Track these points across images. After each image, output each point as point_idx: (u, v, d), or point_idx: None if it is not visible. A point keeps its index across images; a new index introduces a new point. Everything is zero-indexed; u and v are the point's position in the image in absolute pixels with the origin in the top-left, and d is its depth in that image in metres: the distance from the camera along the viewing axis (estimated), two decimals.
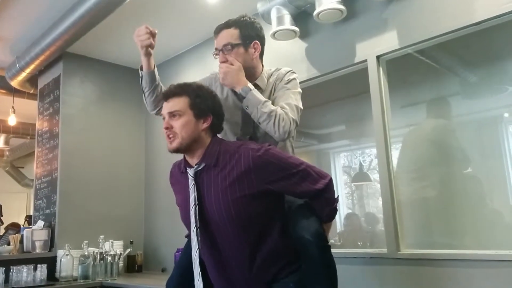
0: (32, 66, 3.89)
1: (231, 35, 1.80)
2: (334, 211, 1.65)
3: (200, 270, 1.58)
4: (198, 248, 1.55)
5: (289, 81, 1.84)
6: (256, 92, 1.73)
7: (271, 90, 1.85)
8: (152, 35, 1.82)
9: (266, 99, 1.72)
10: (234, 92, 1.83)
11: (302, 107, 1.82)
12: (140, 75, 1.88)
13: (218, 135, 1.75)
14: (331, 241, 4.22)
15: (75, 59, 3.98)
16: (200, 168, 1.57)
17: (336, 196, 1.64)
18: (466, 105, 3.52)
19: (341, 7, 2.58)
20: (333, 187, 1.61)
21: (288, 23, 2.82)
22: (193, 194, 1.55)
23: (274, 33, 2.84)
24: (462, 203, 2.89)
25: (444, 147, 2.97)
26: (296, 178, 1.54)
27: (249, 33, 1.82)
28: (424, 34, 2.41)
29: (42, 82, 4.26)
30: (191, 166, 1.60)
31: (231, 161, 1.53)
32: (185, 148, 1.59)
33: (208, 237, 1.57)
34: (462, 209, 2.86)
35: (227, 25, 1.83)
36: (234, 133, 1.84)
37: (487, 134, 3.55)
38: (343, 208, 5.35)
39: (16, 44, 3.84)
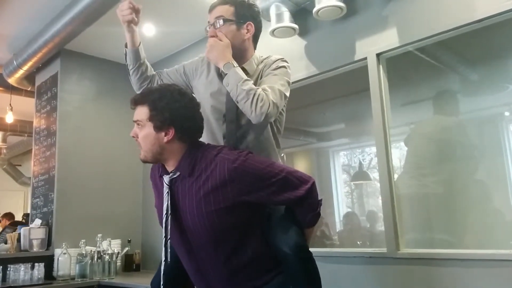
0: (29, 64, 3.86)
1: (225, 10, 1.74)
2: (317, 216, 1.57)
3: (163, 284, 1.54)
4: (165, 260, 1.49)
5: (278, 67, 1.75)
6: (239, 69, 1.63)
7: (258, 76, 1.76)
8: (136, 11, 1.76)
9: (247, 78, 1.62)
10: (220, 77, 1.74)
11: (288, 95, 1.72)
12: (124, 52, 1.84)
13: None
14: (334, 237, 4.24)
15: (73, 57, 3.96)
16: (175, 176, 1.50)
17: (319, 200, 1.56)
18: (466, 103, 3.50)
19: (341, 4, 2.56)
20: (316, 190, 1.53)
21: (287, 20, 2.80)
22: (166, 203, 1.49)
23: (273, 30, 2.82)
24: (462, 202, 2.87)
25: (446, 145, 2.95)
26: (275, 187, 1.46)
27: (244, 12, 1.76)
28: (425, 31, 2.39)
29: (40, 79, 4.23)
30: (167, 172, 1.53)
31: (206, 171, 1.45)
32: (152, 160, 1.53)
33: (184, 245, 1.52)
34: (463, 208, 2.85)
35: (224, 1, 1.77)
36: (217, 120, 1.74)
37: (487, 132, 3.53)
38: (342, 207, 5.34)
39: (14, 41, 3.81)
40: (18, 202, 7.70)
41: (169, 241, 1.49)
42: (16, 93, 4.61)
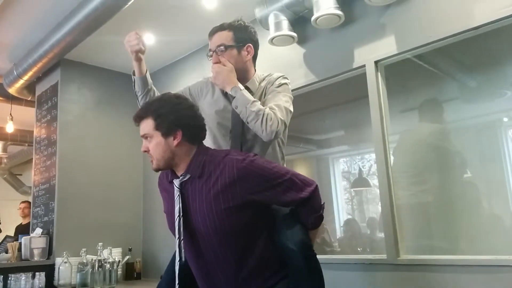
0: (29, 73, 3.88)
1: (225, 37, 1.84)
2: (320, 218, 1.63)
3: (178, 283, 1.57)
4: (180, 260, 1.54)
5: (280, 85, 1.85)
6: (245, 92, 1.74)
7: (262, 94, 1.86)
8: (141, 40, 1.85)
9: (255, 99, 1.73)
10: (225, 96, 1.84)
11: (292, 110, 1.82)
12: (133, 80, 1.92)
13: (209, 140, 1.76)
14: (334, 244, 4.23)
15: (73, 66, 3.98)
16: (185, 179, 1.56)
17: (322, 203, 1.62)
18: (465, 109, 3.51)
19: (339, 12, 2.58)
20: (319, 194, 1.60)
21: (286, 29, 2.82)
22: (178, 205, 1.54)
23: (272, 38, 2.84)
24: (461, 208, 2.88)
25: (442, 151, 2.96)
26: (281, 188, 1.53)
27: (242, 36, 1.85)
28: (422, 39, 2.41)
29: (40, 89, 4.25)
30: (177, 177, 1.59)
31: (215, 172, 1.51)
32: (165, 167, 1.59)
33: (194, 247, 1.56)
34: (462, 214, 2.85)
35: (222, 27, 1.86)
36: (223, 135, 1.84)
37: (486, 138, 3.54)
38: (342, 214, 5.34)
39: (14, 51, 3.84)
40: (19, 211, 7.68)
41: (182, 242, 1.53)
42: (16, 103, 4.63)
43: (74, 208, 3.76)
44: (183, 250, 1.54)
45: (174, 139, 1.54)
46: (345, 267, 2.45)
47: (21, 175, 7.73)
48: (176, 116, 1.54)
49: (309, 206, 1.58)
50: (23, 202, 6.05)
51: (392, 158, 2.57)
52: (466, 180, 2.99)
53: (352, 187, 5.46)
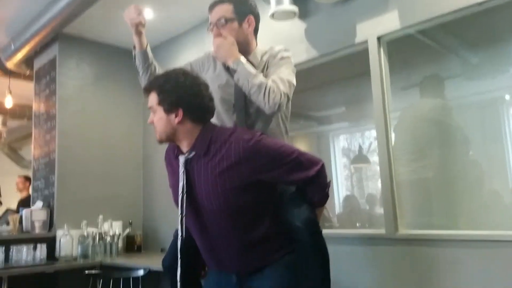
0: (27, 48, 3.84)
1: (225, 10, 1.81)
2: (326, 196, 1.64)
3: (180, 257, 1.59)
4: (181, 236, 1.56)
5: (282, 58, 1.83)
6: (247, 65, 1.71)
7: (264, 67, 1.84)
8: (141, 14, 1.83)
9: (257, 72, 1.71)
10: (227, 70, 1.82)
11: (295, 83, 1.80)
12: (133, 54, 1.90)
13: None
14: (333, 219, 4.28)
15: (71, 40, 3.93)
16: (190, 156, 1.55)
17: (328, 181, 1.63)
18: (467, 86, 3.50)
19: None
20: (325, 172, 1.60)
21: (287, 3, 2.78)
22: (182, 182, 1.54)
23: (273, 13, 2.79)
24: (461, 184, 2.90)
25: (443, 127, 2.95)
26: (287, 167, 1.52)
27: (243, 8, 1.83)
28: (426, 14, 2.37)
29: (38, 63, 4.22)
30: (182, 153, 1.59)
31: (221, 150, 1.50)
32: (166, 140, 1.59)
33: (199, 223, 1.57)
34: (461, 190, 2.87)
35: (222, 0, 1.84)
36: (226, 111, 1.82)
37: (487, 116, 3.54)
38: (342, 190, 5.37)
39: (11, 25, 3.78)
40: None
41: (184, 218, 1.54)
42: (14, 77, 4.60)
43: (74, 182, 3.78)
44: (184, 227, 1.55)
45: (175, 117, 1.53)
46: (344, 241, 2.48)
47: (21, 149, 7.74)
48: (178, 95, 1.53)
49: (315, 185, 1.58)
50: (19, 176, 6.10)
51: (393, 134, 2.57)
52: (467, 156, 3.00)
53: (352, 163, 5.48)
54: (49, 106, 3.95)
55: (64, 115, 3.83)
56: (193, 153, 1.54)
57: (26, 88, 4.61)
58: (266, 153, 1.50)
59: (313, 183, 1.57)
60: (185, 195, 1.54)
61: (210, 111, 1.61)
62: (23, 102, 5.49)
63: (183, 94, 1.53)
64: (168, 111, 1.53)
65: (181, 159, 1.56)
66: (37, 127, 4.13)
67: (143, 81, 1.92)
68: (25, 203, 5.11)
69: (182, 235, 1.56)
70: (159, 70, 1.95)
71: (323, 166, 1.59)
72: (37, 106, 4.16)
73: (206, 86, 1.60)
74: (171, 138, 1.58)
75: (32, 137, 4.21)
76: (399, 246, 2.36)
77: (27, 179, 6.20)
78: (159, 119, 1.55)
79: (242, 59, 1.72)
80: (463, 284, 2.12)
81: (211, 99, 1.60)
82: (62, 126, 3.80)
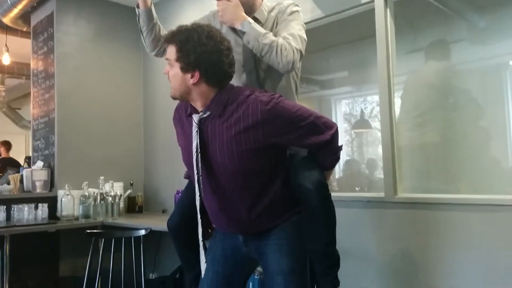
0: (23, 2, 3.76)
1: None
2: (337, 159, 1.64)
3: (201, 217, 1.59)
4: (200, 195, 1.56)
5: (292, 13, 1.77)
6: (255, 25, 1.66)
7: (273, 24, 1.79)
8: None
9: (266, 31, 1.66)
10: (233, 30, 1.77)
11: (306, 39, 1.75)
12: (137, 13, 1.84)
13: None
14: (333, 183, 4.31)
15: None
16: (205, 115, 1.52)
17: (340, 145, 1.62)
18: (472, 51, 3.44)
19: None
20: (338, 136, 1.58)
21: None
22: (196, 142, 1.52)
23: None
24: (462, 149, 2.90)
25: (446, 91, 2.92)
26: (303, 131, 1.51)
27: None
28: None
29: (35, 19, 4.12)
30: (196, 112, 1.55)
31: (238, 111, 1.48)
32: (180, 98, 1.55)
33: (210, 184, 1.56)
34: (462, 155, 2.87)
35: None
36: (235, 70, 1.77)
37: (491, 81, 3.49)
38: (343, 155, 5.39)
39: None
40: (20, 145, 7.74)
41: (201, 178, 1.53)
42: (11, 34, 4.50)
43: (74, 142, 3.77)
44: (201, 186, 1.55)
45: (191, 77, 1.49)
46: (344, 204, 2.49)
47: (20, 109, 7.70)
48: (197, 57, 1.47)
49: (328, 149, 1.57)
50: None
51: (396, 99, 2.54)
52: (469, 121, 2.98)
53: (353, 128, 5.47)
54: (47, 64, 3.88)
55: (62, 73, 3.77)
56: (208, 113, 1.52)
57: (24, 46, 4.52)
58: (284, 117, 1.48)
59: (326, 147, 1.56)
60: (199, 155, 1.52)
61: (229, 76, 1.55)
62: (21, 60, 5.41)
63: (202, 57, 1.47)
64: (184, 70, 1.49)
65: (195, 118, 1.54)
66: (35, 86, 4.08)
67: (147, 42, 1.88)
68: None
69: (200, 194, 1.56)
70: (163, 32, 1.90)
71: (337, 130, 1.57)
72: (35, 64, 4.09)
73: (228, 51, 1.52)
74: (184, 97, 1.54)
75: (31, 96, 4.16)
76: (398, 209, 2.38)
77: (2, 143, 6.25)
78: (174, 74, 1.51)
79: (250, 20, 1.67)
80: (461, 247, 2.15)
81: (231, 64, 1.53)
82: (61, 84, 3.76)
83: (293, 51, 1.62)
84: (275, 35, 1.70)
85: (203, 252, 1.64)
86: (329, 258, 1.58)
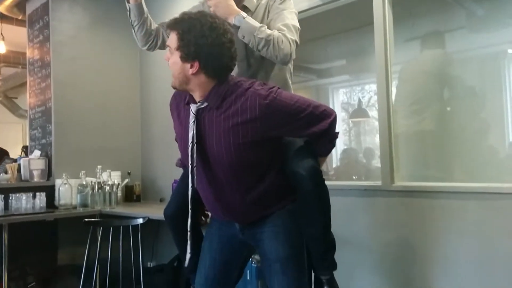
0: None
1: None
2: (332, 146, 1.65)
3: (191, 208, 1.60)
4: (192, 186, 1.56)
5: (283, 1, 1.77)
6: (249, 19, 1.65)
7: (265, 12, 1.78)
8: None
9: (261, 25, 1.65)
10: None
11: (299, 27, 1.75)
12: (128, 8, 1.84)
13: None
14: (330, 173, 4.32)
15: None
16: (202, 106, 1.52)
17: (336, 132, 1.62)
18: (470, 39, 3.42)
19: None
20: (335, 124, 1.58)
21: None
22: (192, 132, 1.52)
23: None
24: (459, 137, 2.90)
25: (443, 79, 2.92)
26: (302, 122, 1.51)
27: None
28: None
29: (30, 7, 4.08)
30: (194, 101, 1.55)
31: (236, 103, 1.47)
32: (179, 88, 1.54)
33: (205, 174, 1.56)
34: (459, 143, 2.88)
35: None
36: None
37: (489, 69, 3.48)
38: (340, 144, 5.39)
39: None
40: (17, 134, 7.72)
41: (195, 168, 1.53)
42: (7, 22, 4.47)
43: (72, 131, 3.76)
44: (195, 177, 1.54)
45: (190, 67, 1.48)
46: (341, 193, 2.51)
47: (16, 98, 7.67)
48: (198, 48, 1.45)
49: (326, 136, 1.57)
50: None
51: (393, 88, 2.54)
52: (466, 110, 2.99)
53: (350, 117, 5.47)
54: (43, 53, 3.85)
55: (59, 62, 3.75)
56: (206, 104, 1.51)
57: (20, 35, 4.49)
58: (282, 110, 1.47)
59: (323, 135, 1.55)
60: (195, 145, 1.51)
61: (229, 69, 1.54)
62: (17, 49, 5.38)
63: (203, 49, 1.46)
64: (184, 59, 1.48)
65: (193, 108, 1.53)
66: (32, 75, 4.06)
67: (139, 37, 1.88)
68: None
69: (193, 185, 1.56)
70: (154, 26, 1.90)
71: (335, 117, 1.56)
72: (31, 53, 4.07)
73: (230, 44, 1.50)
74: (183, 87, 1.53)
75: (27, 85, 4.14)
76: (395, 197, 2.40)
77: None
78: (174, 62, 1.50)
79: (243, 14, 1.66)
80: (457, 234, 2.17)
81: (233, 57, 1.52)
82: (57, 73, 3.74)
83: (290, 43, 1.63)
84: (268, 24, 1.70)
85: (190, 242, 1.64)
86: (325, 242, 1.60)
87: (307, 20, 2.86)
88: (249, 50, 1.71)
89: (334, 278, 1.63)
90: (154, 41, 1.92)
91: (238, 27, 1.65)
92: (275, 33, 1.63)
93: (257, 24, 1.65)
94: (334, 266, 1.62)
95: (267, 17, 1.77)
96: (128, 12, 1.85)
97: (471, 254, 2.12)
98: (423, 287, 2.28)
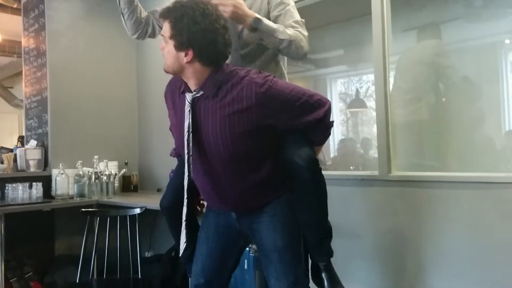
0: None
1: None
2: (328, 136, 1.65)
3: (187, 197, 1.60)
4: (188, 176, 1.56)
5: None
6: (266, 21, 1.67)
7: (262, 3, 1.79)
8: None
9: (278, 25, 1.69)
10: None
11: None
12: None
13: None
14: (328, 163, 4.33)
15: None
16: (198, 95, 1.51)
17: (331, 121, 1.62)
18: (467, 29, 3.42)
19: None
20: (330, 112, 1.58)
21: None
22: (188, 121, 1.51)
23: None
24: (455, 127, 2.91)
25: (440, 68, 2.91)
26: (297, 111, 1.51)
27: None
28: None
29: None
30: (190, 90, 1.53)
31: (232, 92, 1.46)
32: (173, 74, 1.55)
33: (201, 163, 1.56)
34: (455, 133, 2.89)
35: None
36: None
37: (485, 60, 3.49)
38: (337, 135, 5.39)
39: None
40: (13, 124, 7.68)
41: (191, 157, 1.53)
42: (2, 10, 4.43)
43: (68, 121, 3.74)
44: (191, 166, 1.54)
45: (185, 56, 1.47)
46: (339, 183, 2.52)
47: (12, 87, 7.62)
48: (191, 36, 1.44)
49: (321, 125, 1.57)
50: None
51: (391, 78, 2.54)
52: (463, 100, 2.99)
53: (348, 108, 5.47)
54: (38, 42, 3.82)
55: (54, 51, 3.72)
56: (201, 92, 1.50)
57: (15, 23, 4.44)
58: (278, 98, 1.48)
59: (318, 124, 1.56)
60: (191, 134, 1.51)
61: (224, 56, 1.52)
62: (12, 38, 5.33)
63: (196, 36, 1.44)
64: (178, 48, 1.47)
65: (188, 97, 1.52)
66: (27, 64, 4.03)
67: (128, 25, 1.87)
68: None
69: (189, 175, 1.55)
70: (144, 14, 1.88)
71: (330, 107, 1.57)
72: (27, 42, 4.03)
73: (224, 30, 1.48)
74: (177, 75, 1.53)
75: (23, 75, 4.11)
76: (392, 187, 2.41)
77: None
78: (168, 51, 1.49)
79: (257, 16, 1.65)
80: (453, 223, 2.19)
81: (227, 45, 1.50)
82: (53, 63, 3.70)
83: (306, 39, 1.69)
84: (274, 19, 1.72)
85: (185, 231, 1.64)
86: (321, 230, 1.62)
87: (305, 10, 2.83)
88: (242, 42, 1.72)
89: (332, 265, 1.64)
90: (144, 30, 1.91)
91: (255, 29, 1.65)
92: (292, 32, 1.67)
93: (274, 25, 1.67)
94: (330, 253, 1.64)
95: (271, 12, 1.78)
96: (117, 0, 1.83)
97: (466, 243, 2.14)
98: (418, 276, 2.30)
